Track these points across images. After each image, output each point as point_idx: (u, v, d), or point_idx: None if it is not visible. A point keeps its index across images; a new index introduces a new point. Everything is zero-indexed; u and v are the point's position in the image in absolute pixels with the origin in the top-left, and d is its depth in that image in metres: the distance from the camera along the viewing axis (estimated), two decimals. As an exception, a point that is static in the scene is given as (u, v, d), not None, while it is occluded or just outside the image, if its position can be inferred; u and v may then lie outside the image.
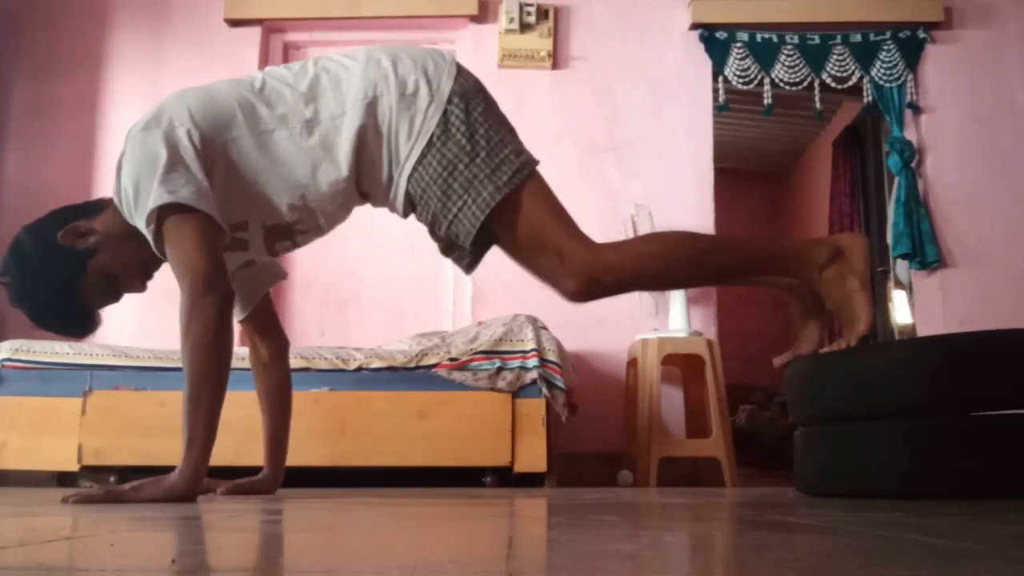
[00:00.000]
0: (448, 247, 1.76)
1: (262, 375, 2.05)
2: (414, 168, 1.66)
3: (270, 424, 2.06)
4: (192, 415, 1.59)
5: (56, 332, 1.81)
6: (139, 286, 1.82)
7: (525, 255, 1.73)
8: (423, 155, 1.65)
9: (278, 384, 2.06)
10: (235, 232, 1.76)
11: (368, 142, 1.68)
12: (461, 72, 1.73)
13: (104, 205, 1.77)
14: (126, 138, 1.70)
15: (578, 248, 1.67)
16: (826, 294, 1.70)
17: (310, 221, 1.78)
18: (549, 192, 1.72)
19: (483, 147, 1.65)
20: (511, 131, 1.74)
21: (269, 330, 2.05)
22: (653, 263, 1.68)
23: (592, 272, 1.65)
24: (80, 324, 1.81)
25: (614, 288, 1.72)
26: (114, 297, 1.82)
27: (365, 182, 1.74)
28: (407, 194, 1.69)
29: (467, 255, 1.74)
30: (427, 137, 1.65)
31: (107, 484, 1.60)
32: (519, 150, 1.70)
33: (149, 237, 1.65)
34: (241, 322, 2.01)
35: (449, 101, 1.67)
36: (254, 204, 1.72)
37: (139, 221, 1.64)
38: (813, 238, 1.79)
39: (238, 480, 2.00)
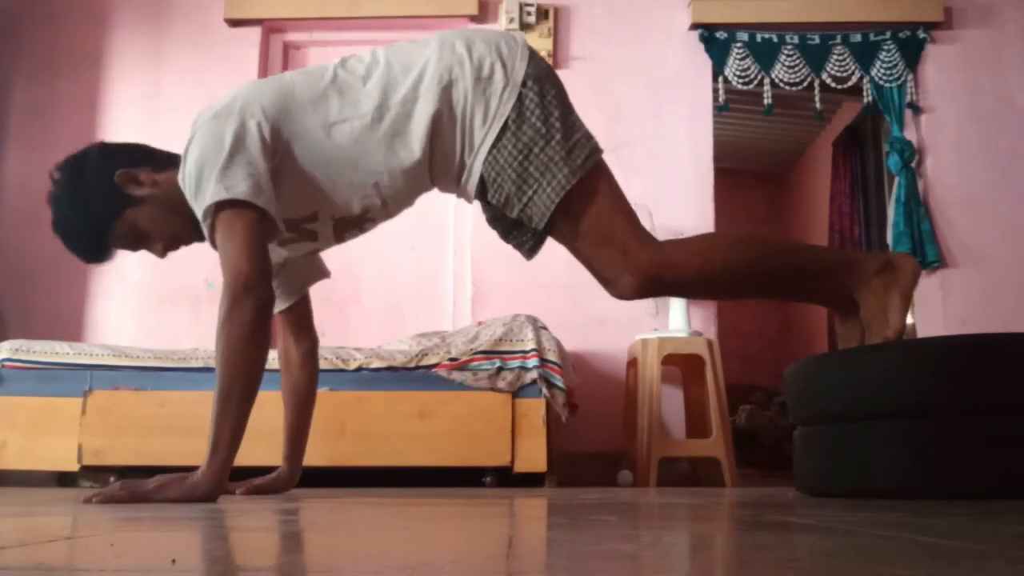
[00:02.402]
0: (509, 231, 1.76)
1: (291, 371, 2.06)
2: (489, 151, 1.66)
3: (292, 421, 2.06)
4: (220, 416, 1.58)
5: (68, 247, 1.78)
6: (160, 252, 1.82)
7: (587, 246, 1.71)
8: (499, 138, 1.66)
9: (305, 381, 2.07)
10: (305, 224, 1.77)
11: (442, 127, 1.68)
12: (533, 55, 1.74)
13: (174, 164, 1.75)
14: (194, 124, 1.71)
15: (643, 245, 1.67)
16: (865, 300, 1.70)
17: (380, 210, 1.79)
18: (616, 184, 1.73)
19: (558, 129, 1.66)
20: (578, 118, 1.74)
21: (304, 327, 2.06)
22: (716, 261, 1.68)
23: (655, 270, 1.65)
24: (93, 253, 1.81)
25: (673, 287, 1.72)
26: (132, 248, 1.83)
27: (437, 166, 1.73)
28: (481, 177, 1.69)
29: (531, 239, 1.74)
30: (503, 120, 1.66)
31: (128, 482, 1.58)
32: (589, 135, 1.71)
33: (205, 229, 1.65)
34: (280, 313, 2.02)
35: (524, 84, 1.67)
36: (325, 196, 1.72)
37: (197, 209, 1.65)
38: (867, 252, 1.79)
39: (256, 480, 2.00)
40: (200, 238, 1.76)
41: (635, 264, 1.65)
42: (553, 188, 1.63)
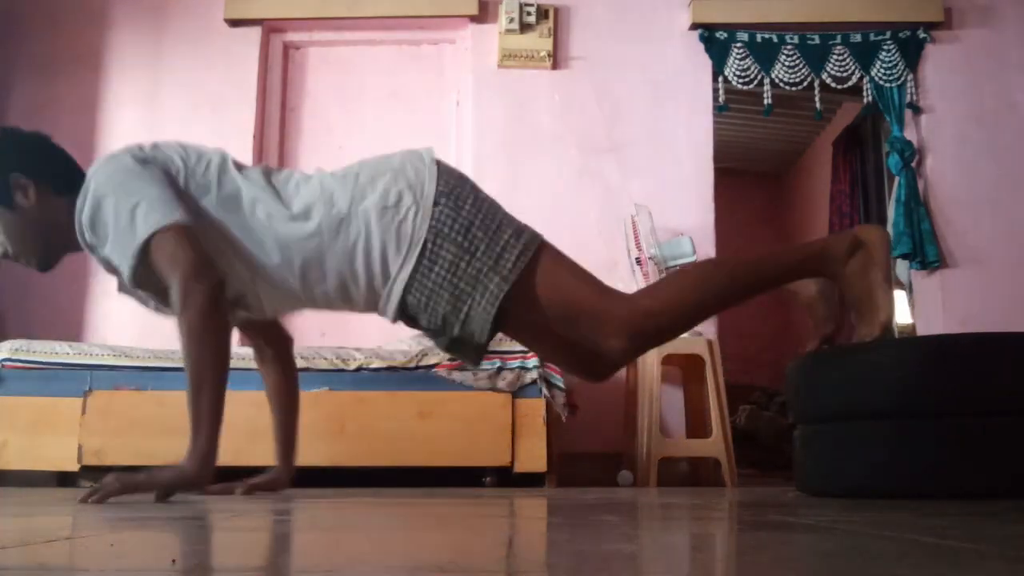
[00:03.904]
0: (451, 345, 1.71)
1: (267, 373, 2.07)
2: (411, 278, 1.64)
3: (279, 420, 2.07)
4: (196, 400, 1.60)
5: None
6: (34, 266, 1.80)
7: (558, 332, 1.69)
8: (418, 263, 1.63)
9: (283, 380, 2.07)
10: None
11: (330, 260, 1.67)
12: (443, 170, 1.71)
13: (72, 190, 1.70)
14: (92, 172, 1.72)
15: (613, 304, 1.64)
16: (847, 286, 1.69)
17: (254, 300, 1.77)
18: (564, 260, 1.69)
19: (481, 240, 1.64)
20: (504, 214, 1.71)
21: (270, 331, 2.05)
22: (690, 295, 1.65)
23: (635, 324, 1.62)
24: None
25: (658, 336, 1.69)
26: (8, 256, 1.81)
27: (324, 294, 1.73)
28: (402, 303, 1.66)
29: (474, 350, 1.69)
30: (419, 245, 1.63)
31: (121, 475, 1.59)
32: (518, 231, 1.67)
33: (129, 267, 1.62)
34: (239, 327, 2.01)
35: (436, 203, 1.65)
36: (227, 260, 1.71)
37: (117, 255, 1.64)
38: (833, 235, 1.78)
39: (253, 479, 2.00)
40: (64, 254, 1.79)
41: (614, 327, 1.62)
42: (487, 300, 1.61)
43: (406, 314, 1.69)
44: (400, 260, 1.65)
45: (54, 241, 1.76)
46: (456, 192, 1.68)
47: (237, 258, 1.68)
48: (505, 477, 2.84)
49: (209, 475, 1.60)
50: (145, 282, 1.66)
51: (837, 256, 1.68)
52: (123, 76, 3.93)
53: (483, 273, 1.62)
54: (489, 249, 1.63)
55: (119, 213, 1.62)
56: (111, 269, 1.74)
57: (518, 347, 2.90)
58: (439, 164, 1.73)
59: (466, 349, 1.69)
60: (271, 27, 3.99)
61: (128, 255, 1.61)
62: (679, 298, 1.65)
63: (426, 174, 1.69)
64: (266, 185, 1.72)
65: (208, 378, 1.60)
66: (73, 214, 1.69)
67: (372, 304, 1.74)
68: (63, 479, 2.89)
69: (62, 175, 1.75)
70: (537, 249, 1.66)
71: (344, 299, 1.74)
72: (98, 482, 1.59)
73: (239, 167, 1.77)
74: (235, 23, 3.92)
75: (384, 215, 1.65)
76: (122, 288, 1.78)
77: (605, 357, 1.68)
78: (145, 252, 1.60)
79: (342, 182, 1.71)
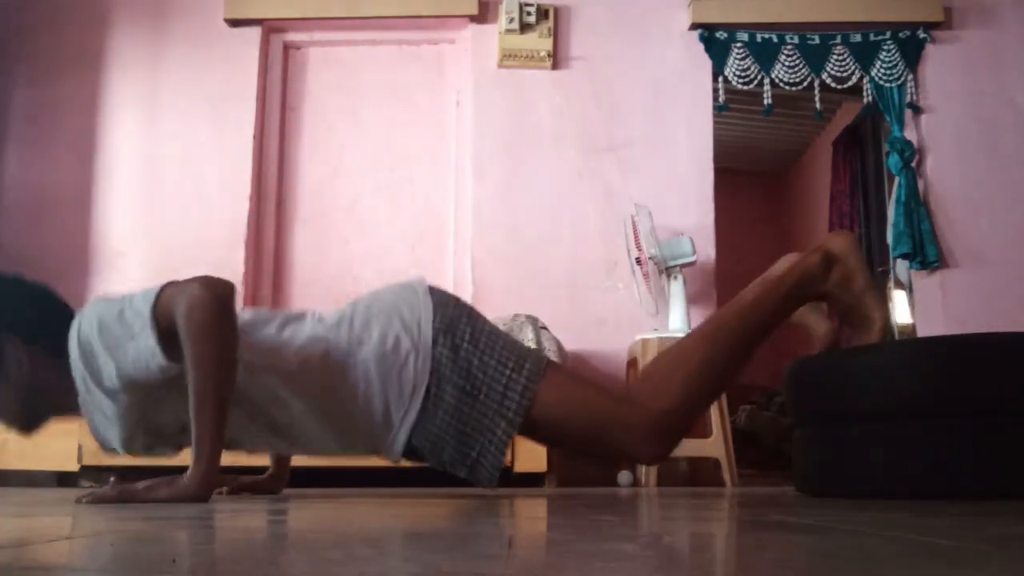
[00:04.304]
0: (468, 475, 1.66)
1: None
2: (416, 424, 1.59)
3: None
4: (199, 417, 1.52)
5: None
6: (12, 429, 1.68)
7: (580, 444, 1.67)
8: (423, 410, 1.59)
9: None
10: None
11: (331, 413, 1.62)
12: (439, 303, 1.66)
13: (60, 354, 1.57)
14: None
15: (631, 414, 1.59)
16: (835, 301, 1.68)
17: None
18: (571, 377, 1.67)
19: (482, 381, 1.59)
20: (503, 343, 1.65)
21: None
22: (697, 381, 1.61)
23: (661, 427, 1.59)
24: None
25: (686, 427, 1.64)
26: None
27: (323, 445, 1.69)
28: (408, 444, 1.62)
29: (493, 483, 1.64)
30: (423, 390, 1.59)
31: (119, 483, 1.57)
32: (519, 363, 1.61)
33: (154, 353, 1.49)
34: None
35: (434, 343, 1.60)
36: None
37: (135, 341, 1.51)
38: (798, 255, 1.74)
39: (244, 479, 1.99)
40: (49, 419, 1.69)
41: (640, 435, 1.58)
42: (496, 445, 1.57)
43: (411, 453, 1.65)
44: (404, 407, 1.60)
45: (41, 406, 1.66)
46: (453, 326, 1.62)
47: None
48: (505, 477, 2.83)
49: (210, 493, 1.56)
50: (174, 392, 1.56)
51: (815, 277, 1.66)
52: (123, 76, 3.93)
53: (488, 417, 1.57)
54: (491, 391, 1.58)
55: (121, 320, 1.52)
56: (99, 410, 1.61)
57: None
58: (433, 295, 1.67)
59: (479, 483, 1.65)
60: (271, 27, 3.99)
61: (150, 329, 1.50)
62: (688, 388, 1.60)
63: (421, 311, 1.63)
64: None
65: (213, 389, 1.51)
66: (63, 375, 1.57)
67: (374, 448, 1.68)
68: (63, 479, 2.89)
69: (57, 336, 1.58)
70: (542, 375, 1.60)
71: (344, 446, 1.70)
72: (99, 482, 1.58)
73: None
74: (235, 23, 3.92)
75: (383, 362, 1.59)
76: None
77: (640, 460, 1.66)
78: (157, 323, 1.49)
79: (336, 329, 1.65)
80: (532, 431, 1.64)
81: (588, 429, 1.61)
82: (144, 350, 1.50)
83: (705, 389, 1.64)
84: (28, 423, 1.68)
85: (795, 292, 1.67)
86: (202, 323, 1.50)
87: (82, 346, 1.53)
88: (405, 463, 1.70)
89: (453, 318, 1.64)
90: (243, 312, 1.69)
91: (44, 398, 1.64)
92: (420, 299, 1.66)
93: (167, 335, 1.50)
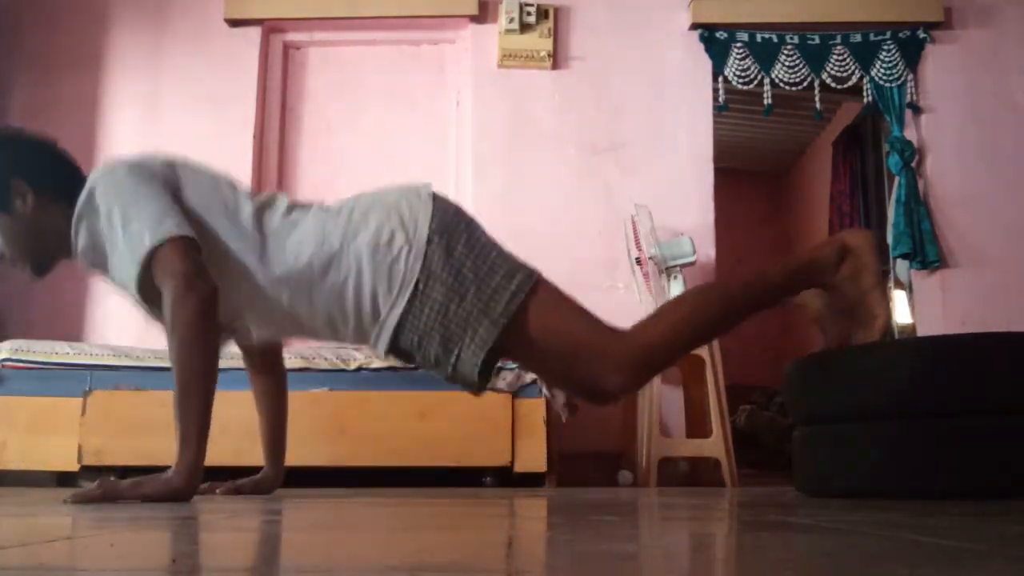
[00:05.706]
0: (450, 379, 1.71)
1: (256, 376, 2.05)
2: (402, 317, 1.63)
3: (267, 423, 2.05)
4: (183, 414, 1.57)
5: None
6: (29, 272, 1.80)
7: (556, 367, 1.69)
8: (410, 303, 1.62)
9: (272, 383, 2.05)
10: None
11: (322, 298, 1.66)
12: (439, 207, 1.69)
13: (70, 198, 1.69)
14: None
15: (610, 341, 1.62)
16: (841, 294, 1.69)
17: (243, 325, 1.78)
18: (561, 297, 1.68)
19: (472, 281, 1.62)
20: (497, 253, 1.68)
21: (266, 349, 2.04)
22: (686, 326, 1.65)
23: (634, 360, 1.62)
24: None
25: (656, 369, 1.69)
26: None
27: (312, 328, 1.73)
28: (394, 341, 1.65)
29: (471, 387, 1.69)
30: (411, 286, 1.62)
31: (106, 481, 1.58)
32: (510, 273, 1.65)
33: (135, 278, 1.60)
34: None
35: (429, 242, 1.63)
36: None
37: (122, 264, 1.62)
38: (817, 243, 1.77)
39: (238, 480, 1.99)
40: (58, 260, 1.80)
41: (614, 361, 1.61)
42: (476, 344, 1.60)
43: (398, 351, 1.69)
44: (391, 301, 1.63)
45: (49, 248, 1.75)
46: (450, 231, 1.66)
47: (228, 283, 1.66)
48: (505, 477, 2.84)
49: (196, 487, 1.58)
50: (148, 294, 1.65)
51: (827, 265, 1.67)
52: (123, 76, 3.93)
53: (473, 316, 1.60)
54: (479, 292, 1.61)
55: (125, 223, 1.61)
56: (97, 268, 1.73)
57: (518, 347, 2.91)
58: (435, 200, 1.70)
59: (464, 385, 1.69)
60: (271, 27, 3.99)
61: (134, 266, 1.59)
62: (675, 330, 1.64)
63: (420, 211, 1.66)
64: (254, 231, 1.69)
65: (196, 390, 1.58)
66: (70, 221, 1.68)
67: (361, 340, 1.72)
68: (63, 479, 2.89)
69: (64, 183, 1.73)
70: (532, 289, 1.63)
71: (332, 334, 1.74)
72: (96, 483, 1.58)
73: (235, 188, 1.76)
74: (235, 23, 3.92)
75: (376, 254, 1.64)
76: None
77: (603, 392, 1.66)
78: (149, 263, 1.59)
79: (336, 217, 1.69)
80: (515, 347, 1.66)
81: (567, 348, 1.64)
82: (123, 272, 1.63)
83: (689, 336, 1.68)
84: (36, 264, 1.78)
85: (803, 273, 1.69)
86: (188, 321, 1.57)
87: (89, 219, 1.66)
88: (393, 362, 1.76)
89: (451, 223, 1.68)
90: (246, 201, 1.74)
91: (51, 240, 1.73)
92: (422, 200, 1.70)
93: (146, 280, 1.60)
